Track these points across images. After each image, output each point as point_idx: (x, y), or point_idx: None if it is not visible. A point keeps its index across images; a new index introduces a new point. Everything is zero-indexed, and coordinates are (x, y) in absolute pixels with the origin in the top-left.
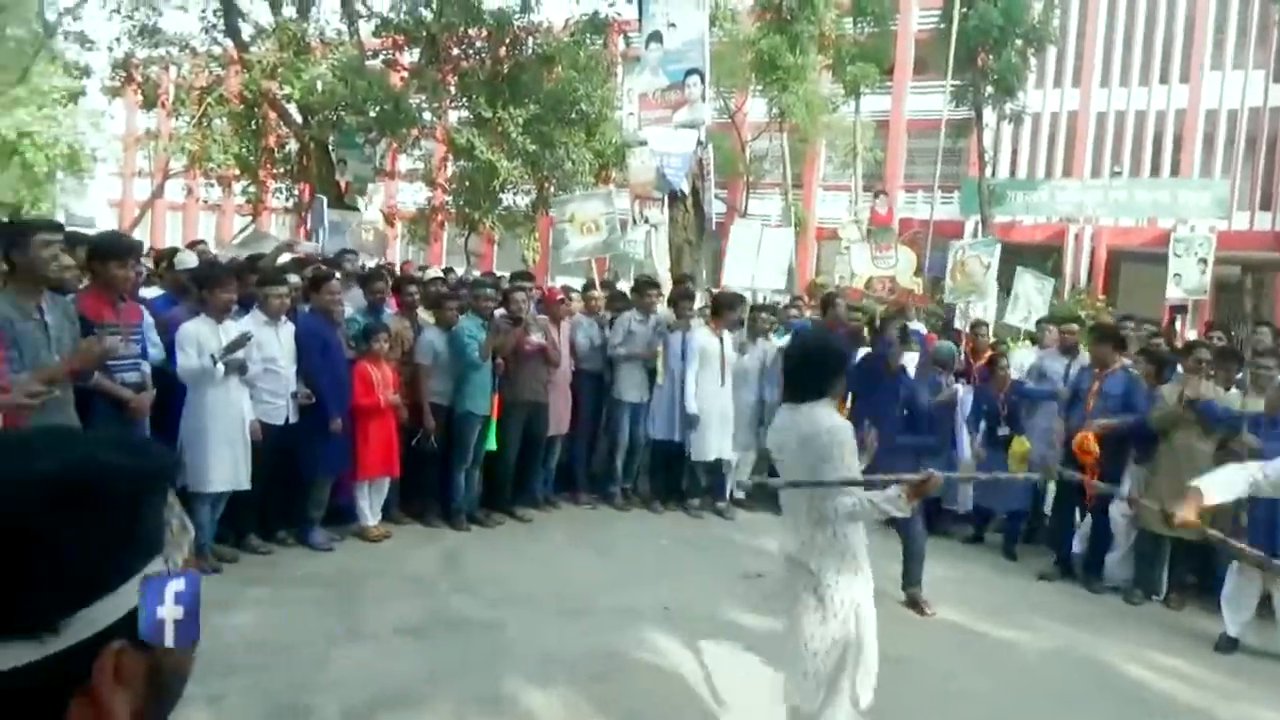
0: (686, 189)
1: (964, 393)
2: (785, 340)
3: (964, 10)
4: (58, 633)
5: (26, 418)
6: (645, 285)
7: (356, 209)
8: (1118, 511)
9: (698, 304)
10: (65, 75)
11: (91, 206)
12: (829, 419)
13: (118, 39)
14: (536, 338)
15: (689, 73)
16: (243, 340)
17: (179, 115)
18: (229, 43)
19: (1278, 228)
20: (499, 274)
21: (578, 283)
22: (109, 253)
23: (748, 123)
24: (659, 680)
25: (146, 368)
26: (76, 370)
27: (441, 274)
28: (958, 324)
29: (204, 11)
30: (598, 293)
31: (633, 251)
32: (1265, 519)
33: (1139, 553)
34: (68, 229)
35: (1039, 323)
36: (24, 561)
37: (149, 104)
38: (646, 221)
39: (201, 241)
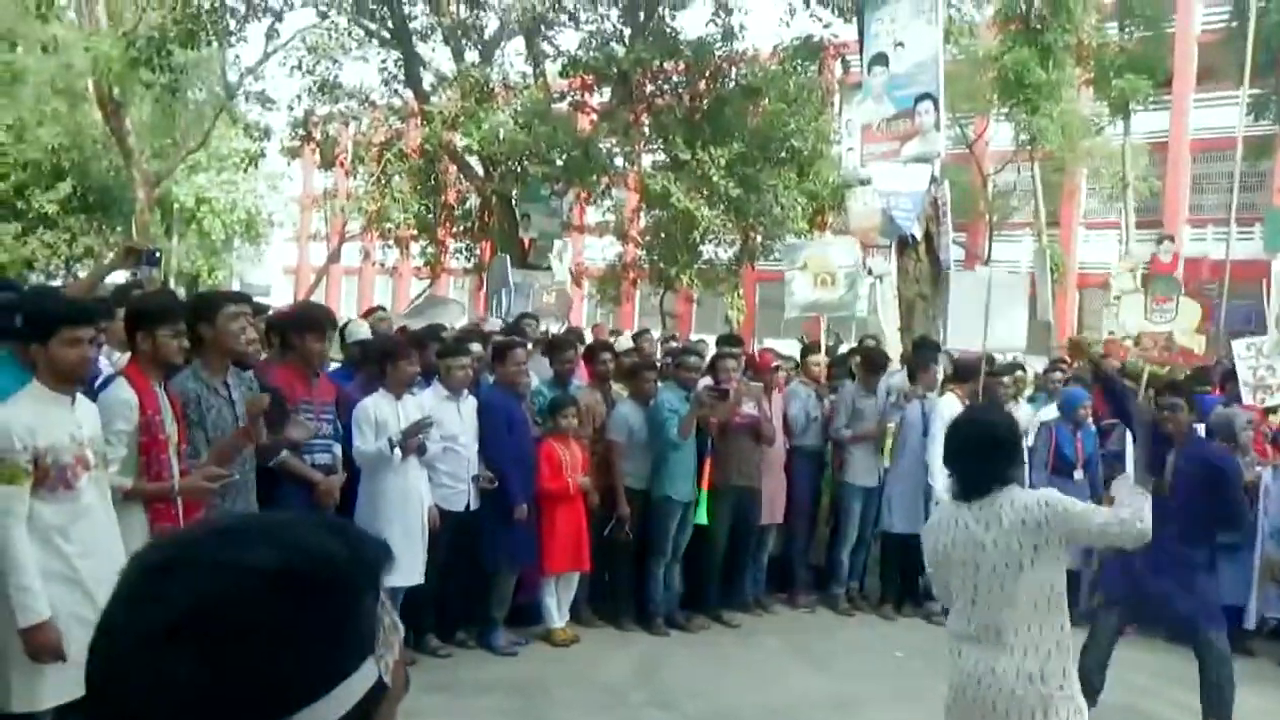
0: (918, 233)
1: (1269, 476)
2: (1045, 410)
3: (1262, 4)
4: None
5: (208, 504)
6: (873, 355)
7: (541, 268)
8: None
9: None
10: (245, 138)
11: (267, 274)
12: (1028, 493)
13: (298, 96)
14: (749, 408)
15: (920, 98)
16: (424, 425)
17: (357, 174)
18: (409, 94)
19: None
20: (700, 338)
21: (786, 347)
22: (307, 325)
23: (990, 153)
24: None
25: (338, 449)
26: (258, 441)
27: (634, 340)
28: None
29: (384, 62)
30: (819, 358)
31: (855, 308)
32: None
33: None
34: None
35: None
36: (236, 661)
37: (327, 163)
38: (870, 273)
39: (380, 308)
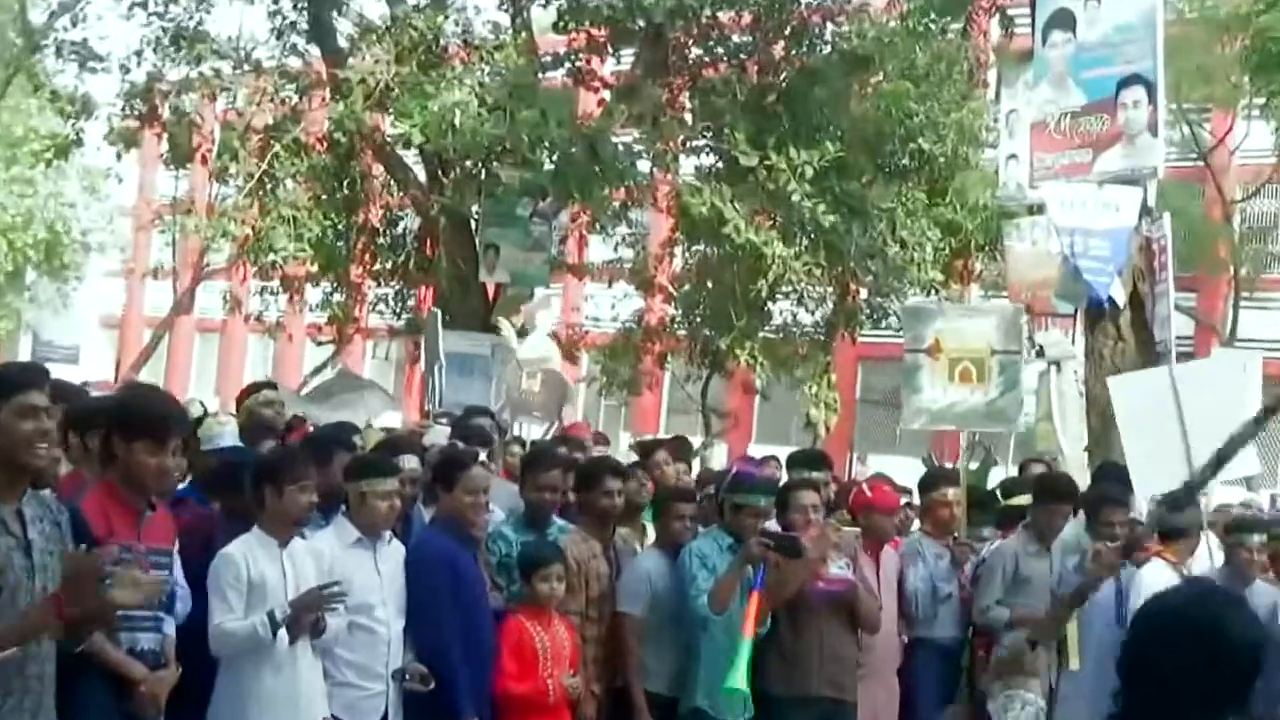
0: (1120, 297)
1: None
2: None
3: None
4: None
5: None
6: (1051, 487)
7: (523, 332)
8: None
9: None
10: (52, 113)
11: (75, 328)
12: None
13: (138, 52)
14: (837, 568)
15: (1125, 82)
16: (331, 593)
17: (226, 175)
18: (314, 52)
19: None
20: (769, 455)
21: (903, 472)
22: (137, 425)
23: (1236, 168)
24: None
25: (170, 629)
26: (68, 618)
27: (661, 454)
28: None
29: (277, 3)
30: (955, 494)
31: (1016, 418)
32: None
33: None
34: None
35: None
36: None
37: (179, 157)
38: (1040, 354)
39: (266, 385)
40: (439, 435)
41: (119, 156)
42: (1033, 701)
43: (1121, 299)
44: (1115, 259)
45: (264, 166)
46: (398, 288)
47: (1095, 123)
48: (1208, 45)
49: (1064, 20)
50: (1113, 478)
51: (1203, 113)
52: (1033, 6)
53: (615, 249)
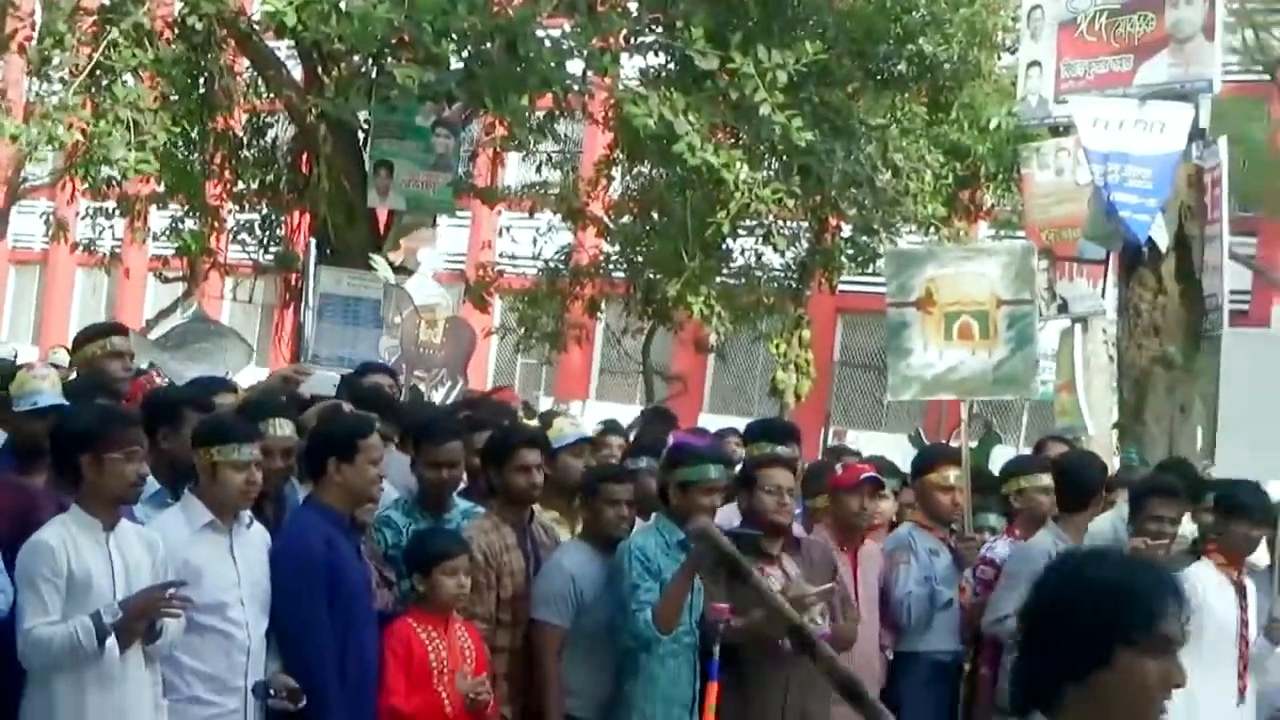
0: (1164, 239)
1: None
2: None
3: None
4: None
5: None
6: (1076, 472)
7: (402, 270)
8: None
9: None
10: None
11: None
12: None
13: None
14: (815, 623)
15: None
16: (162, 605)
17: (50, 68)
18: None
19: None
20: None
21: (888, 444)
22: None
23: None
24: None
25: None
26: None
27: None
28: None
29: None
30: (953, 475)
31: (1031, 383)
32: None
33: None
34: None
35: None
36: None
37: None
38: (1063, 309)
39: (117, 327)
40: (322, 383)
41: None
42: None
43: (1164, 242)
44: (1158, 192)
45: (98, 57)
46: (265, 213)
47: (1138, 23)
48: None
49: None
50: (1173, 470)
51: (1272, 14)
52: None
53: (538, 170)
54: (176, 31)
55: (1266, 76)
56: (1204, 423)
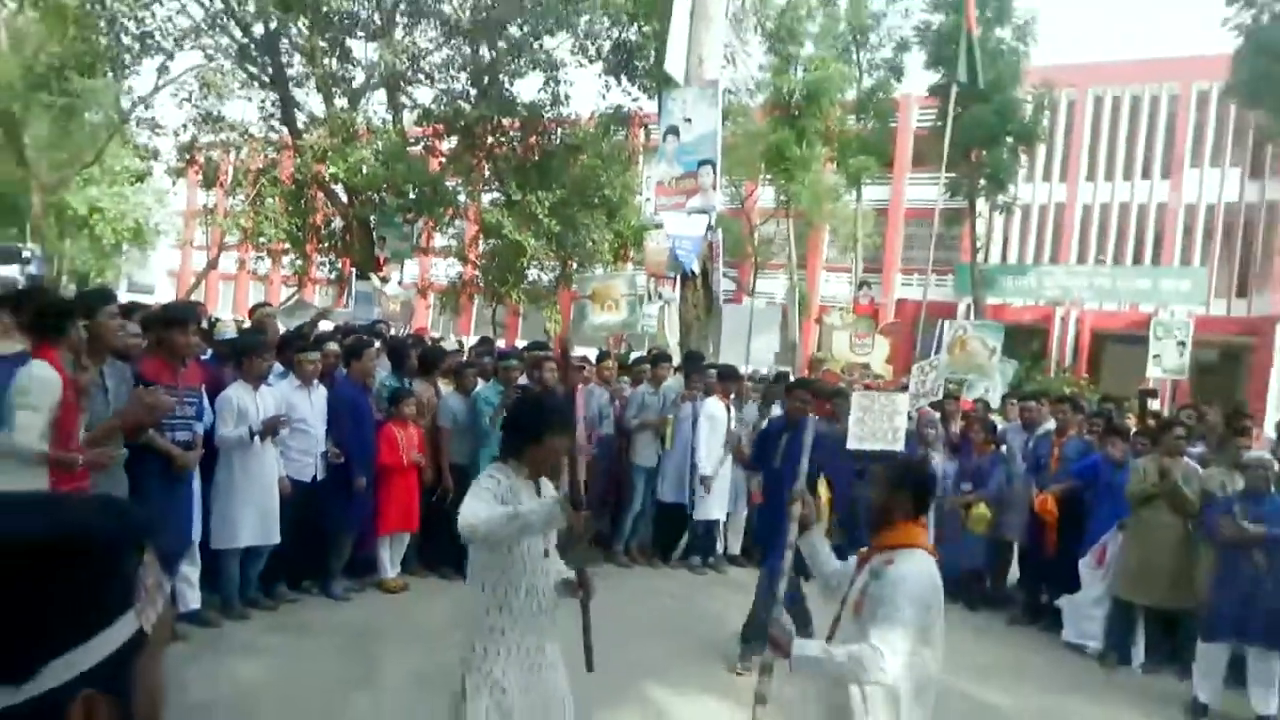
0: (697, 269)
1: (943, 461)
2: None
3: (959, 110)
4: (34, 679)
5: (91, 477)
6: (659, 360)
7: (385, 281)
8: (1085, 565)
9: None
10: (135, 157)
11: (152, 275)
12: None
13: (184, 125)
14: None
15: (702, 163)
16: (278, 423)
17: (235, 195)
18: (284, 130)
19: (1252, 314)
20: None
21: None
22: (170, 319)
23: (757, 208)
24: None
25: (199, 428)
26: (130, 425)
27: (478, 347)
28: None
29: (264, 102)
30: (610, 364)
31: (647, 326)
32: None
33: (1112, 619)
34: (130, 296)
35: (1004, 398)
36: (8, 612)
37: (209, 184)
38: (660, 298)
39: (265, 304)
40: (338, 318)
41: (174, 183)
42: None
43: (698, 270)
44: (694, 250)
45: (256, 191)
46: (331, 259)
47: (687, 183)
48: (745, 146)
49: (674, 130)
50: (694, 358)
51: (742, 180)
52: (660, 123)
53: (448, 240)
54: (291, 180)
55: (739, 205)
56: (714, 342)
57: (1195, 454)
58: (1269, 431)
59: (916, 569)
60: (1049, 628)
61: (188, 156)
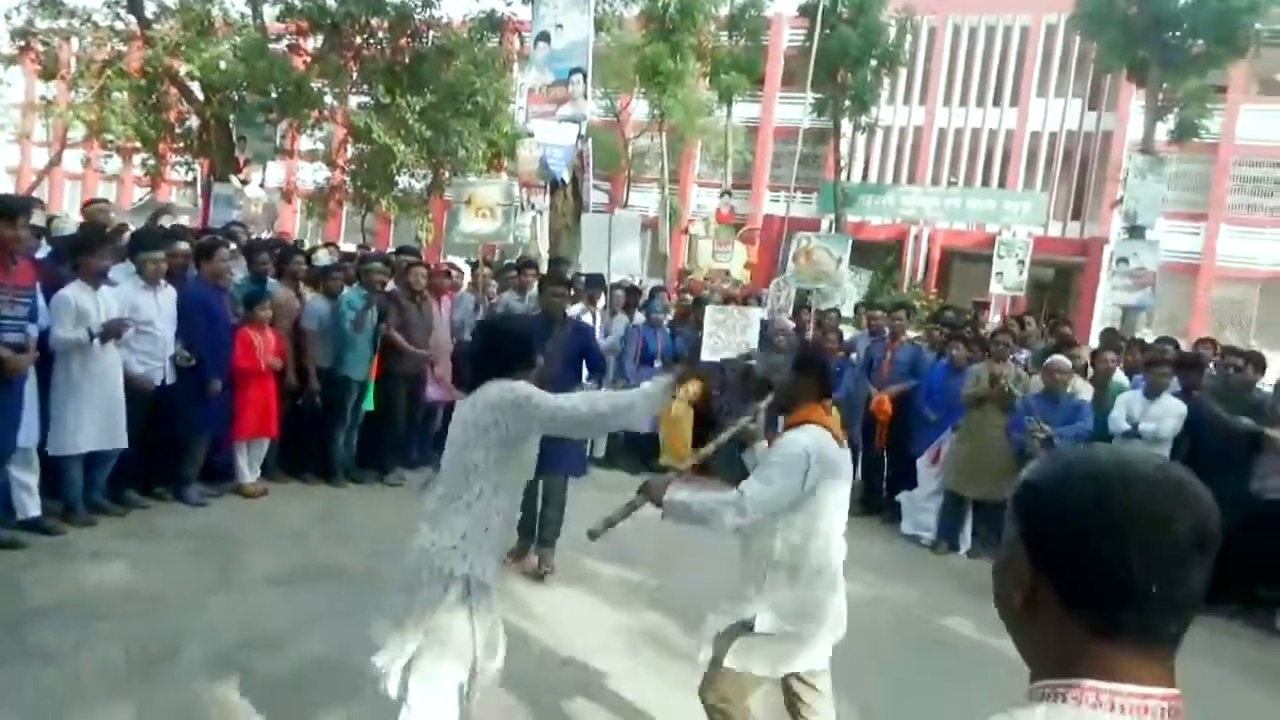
0: (567, 178)
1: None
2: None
3: (826, 32)
4: None
5: None
6: (524, 266)
7: (246, 183)
8: (922, 464)
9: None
10: None
11: None
12: (505, 384)
13: (17, 8)
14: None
15: (573, 71)
16: (120, 325)
17: (78, 88)
18: (132, 19)
19: (1085, 236)
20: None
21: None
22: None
23: (631, 122)
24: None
25: (32, 330)
26: None
27: (323, 248)
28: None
29: None
30: (485, 271)
31: (520, 236)
32: None
33: (944, 511)
34: None
35: (856, 308)
36: None
37: (48, 75)
38: (533, 207)
39: (102, 200)
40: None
41: (4, 69)
42: None
43: (568, 179)
44: (565, 159)
45: (101, 83)
46: (187, 160)
47: (558, 91)
48: (619, 59)
49: (545, 36)
50: (555, 264)
51: (616, 92)
52: (532, 29)
53: (314, 143)
54: (142, 73)
55: (613, 117)
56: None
57: (1021, 360)
58: (1093, 341)
59: (795, 438)
60: (890, 520)
61: (22, 43)
